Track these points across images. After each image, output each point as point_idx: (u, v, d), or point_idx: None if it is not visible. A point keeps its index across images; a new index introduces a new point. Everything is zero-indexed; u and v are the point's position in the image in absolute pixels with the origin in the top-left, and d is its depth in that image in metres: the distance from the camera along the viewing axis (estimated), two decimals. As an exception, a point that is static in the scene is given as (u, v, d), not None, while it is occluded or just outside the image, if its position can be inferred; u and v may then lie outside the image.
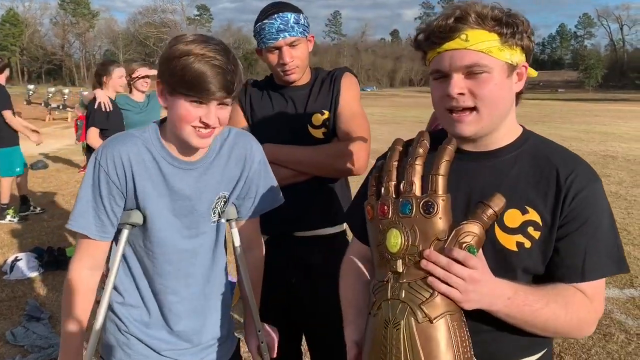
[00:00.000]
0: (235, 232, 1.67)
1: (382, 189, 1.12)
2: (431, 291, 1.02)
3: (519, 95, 1.24)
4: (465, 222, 1.04)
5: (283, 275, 2.03)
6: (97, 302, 1.52)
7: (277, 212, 1.70)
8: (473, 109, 1.14)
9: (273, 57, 1.96)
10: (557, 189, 1.15)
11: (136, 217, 1.47)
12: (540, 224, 1.15)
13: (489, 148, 1.22)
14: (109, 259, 1.56)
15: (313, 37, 2.06)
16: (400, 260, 1.04)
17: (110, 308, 1.57)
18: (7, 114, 6.24)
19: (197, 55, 1.31)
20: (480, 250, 1.07)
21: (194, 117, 1.36)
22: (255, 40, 2.00)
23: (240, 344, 1.82)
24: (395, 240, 1.05)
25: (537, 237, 1.15)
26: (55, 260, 4.89)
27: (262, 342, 1.73)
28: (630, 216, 6.73)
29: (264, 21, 1.92)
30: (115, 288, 1.56)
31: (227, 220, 1.63)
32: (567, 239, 1.14)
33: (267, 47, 1.94)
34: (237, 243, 1.67)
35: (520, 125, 1.27)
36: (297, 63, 1.95)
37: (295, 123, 2.01)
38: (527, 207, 1.15)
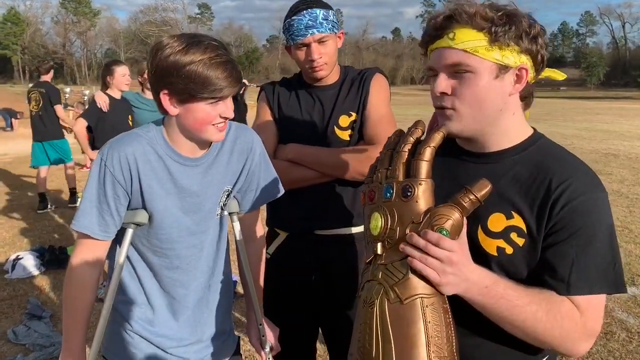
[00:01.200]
0: (237, 225, 1.67)
1: (373, 176, 1.14)
2: (404, 272, 1.03)
3: (525, 98, 1.18)
4: (442, 205, 1.03)
5: (302, 272, 2.02)
6: (101, 300, 1.53)
7: (299, 210, 1.70)
8: (453, 108, 1.13)
9: (301, 54, 1.94)
10: (546, 196, 1.09)
11: (141, 217, 1.47)
12: (525, 231, 1.11)
13: (487, 150, 1.19)
14: (110, 255, 1.57)
15: (343, 33, 2.04)
16: (380, 243, 1.06)
17: (113, 307, 1.57)
18: (58, 108, 7.06)
19: (204, 59, 1.33)
20: (464, 236, 1.06)
21: (214, 116, 1.40)
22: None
23: (241, 342, 1.83)
24: (376, 223, 1.07)
25: (520, 245, 1.11)
26: (56, 259, 4.89)
27: (262, 336, 1.74)
28: (632, 214, 6.71)
29: (293, 17, 1.91)
30: (119, 288, 1.56)
31: (229, 214, 1.64)
32: (556, 247, 1.08)
33: (296, 44, 1.93)
34: (239, 237, 1.68)
35: (533, 128, 1.22)
36: (325, 60, 1.93)
37: (322, 124, 1.99)
38: (513, 212, 1.12)
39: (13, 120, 19.08)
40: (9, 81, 66.30)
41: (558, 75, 1.33)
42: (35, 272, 4.72)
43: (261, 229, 1.82)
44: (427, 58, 1.20)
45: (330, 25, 1.91)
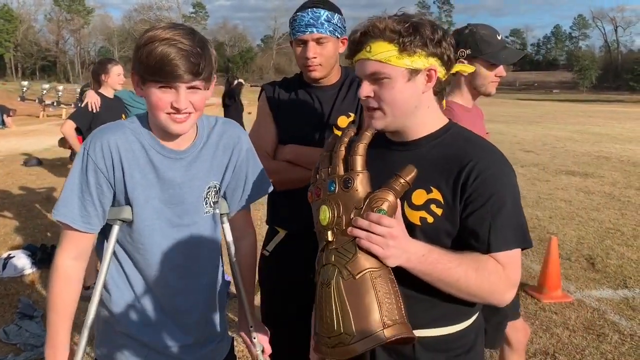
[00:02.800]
0: (227, 227, 1.66)
1: (317, 175, 1.30)
2: (354, 252, 1.18)
3: (438, 92, 1.39)
4: (378, 190, 1.20)
5: (301, 269, 2.02)
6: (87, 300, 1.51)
7: (298, 209, 1.71)
8: (378, 108, 1.33)
9: (299, 50, 1.96)
10: (459, 172, 1.28)
11: (127, 213, 1.46)
12: (442, 202, 1.29)
13: (409, 138, 1.39)
14: (99, 253, 1.55)
15: (346, 39, 2.02)
16: (330, 231, 1.22)
17: (105, 309, 1.56)
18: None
19: (162, 40, 1.31)
20: (400, 215, 1.23)
21: (165, 103, 1.36)
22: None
23: (235, 343, 1.82)
24: (324, 214, 1.23)
25: (439, 214, 1.29)
26: (48, 257, 4.85)
27: (254, 338, 1.73)
28: (624, 217, 6.75)
29: (297, 13, 1.93)
30: (108, 288, 1.54)
31: (220, 215, 1.63)
32: (474, 215, 1.27)
33: (295, 39, 1.95)
34: (229, 238, 1.67)
35: (448, 118, 1.43)
36: (320, 60, 1.94)
37: (321, 124, 2.00)
38: (432, 187, 1.30)
39: (6, 117, 18.97)
40: (1, 78, 65.85)
41: (467, 68, 1.55)
42: (27, 271, 4.68)
43: (253, 230, 1.80)
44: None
45: (331, 28, 1.91)
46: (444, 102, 1.44)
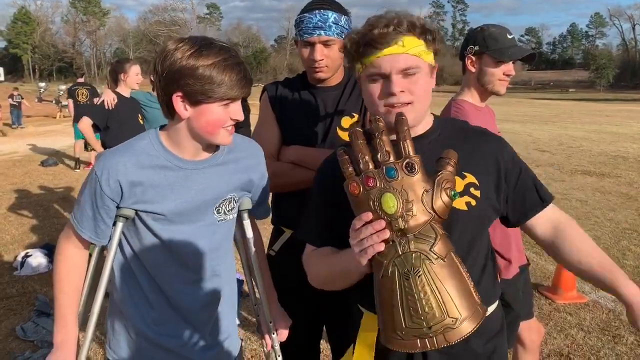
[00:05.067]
0: (247, 223, 1.69)
1: (361, 165, 1.22)
2: (436, 233, 1.16)
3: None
4: (440, 173, 1.20)
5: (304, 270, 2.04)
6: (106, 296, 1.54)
7: (303, 209, 1.72)
8: (409, 103, 1.34)
9: (305, 52, 1.95)
10: (485, 152, 1.41)
11: (127, 211, 1.50)
12: (478, 184, 1.38)
13: (416, 134, 1.41)
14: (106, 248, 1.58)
15: None
16: (400, 219, 1.17)
17: (115, 305, 1.58)
18: (96, 100, 8.64)
19: (217, 61, 1.37)
20: None
21: (226, 118, 1.43)
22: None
23: (247, 342, 1.83)
24: (391, 202, 1.18)
25: (479, 195, 1.37)
26: (65, 256, 4.91)
27: (273, 334, 1.75)
28: (641, 217, 6.66)
29: (305, 14, 1.92)
30: (117, 286, 1.58)
31: (240, 211, 1.66)
32: (518, 185, 1.44)
33: (302, 41, 1.94)
34: (250, 234, 1.70)
35: (451, 111, 1.57)
36: (326, 63, 1.93)
37: (324, 125, 2.00)
38: (464, 173, 1.37)
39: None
40: (19, 80, 66.73)
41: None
42: (44, 269, 4.75)
43: (259, 231, 1.83)
44: (361, 65, 1.38)
45: (339, 30, 1.91)
46: None
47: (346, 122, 1.98)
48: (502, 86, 2.24)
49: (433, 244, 1.16)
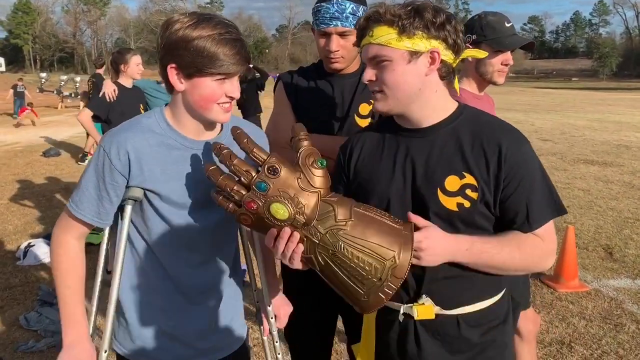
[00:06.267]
0: None
1: (235, 197, 1.24)
2: (331, 207, 1.21)
3: (445, 77, 1.38)
4: (299, 153, 1.23)
5: None
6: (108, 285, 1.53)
7: None
8: (380, 91, 1.37)
9: (321, 41, 1.94)
10: (491, 154, 1.33)
11: (137, 191, 1.47)
12: (477, 186, 1.33)
13: (422, 125, 1.41)
14: (113, 234, 1.57)
15: None
16: (297, 215, 1.21)
17: (122, 296, 1.56)
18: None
19: (213, 34, 1.34)
20: (432, 225, 1.29)
21: (220, 94, 1.40)
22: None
23: (250, 331, 1.83)
24: (281, 210, 1.21)
25: (475, 198, 1.33)
26: (67, 246, 4.93)
27: (272, 318, 1.75)
28: (643, 206, 6.65)
29: (322, 3, 1.90)
30: (125, 275, 1.54)
31: None
32: (512, 197, 1.33)
33: (318, 30, 1.93)
34: None
35: (457, 101, 1.45)
36: (342, 53, 1.92)
37: (342, 112, 1.98)
38: (463, 172, 1.34)
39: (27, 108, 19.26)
40: (20, 70, 66.61)
41: (478, 53, 1.55)
42: (47, 259, 4.75)
43: None
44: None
45: (355, 21, 1.89)
46: (456, 86, 1.46)
47: (364, 108, 1.97)
48: (500, 76, 2.22)
49: (335, 214, 1.21)
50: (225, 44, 1.35)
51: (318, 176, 1.22)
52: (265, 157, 1.22)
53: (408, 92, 1.36)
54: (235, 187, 1.24)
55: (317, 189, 1.22)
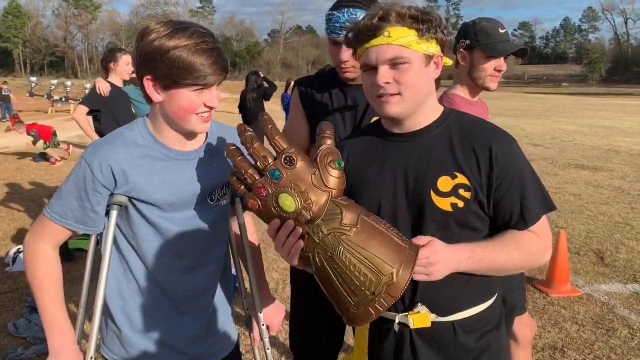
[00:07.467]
0: (239, 207, 1.67)
1: (248, 180, 1.24)
2: (339, 210, 1.19)
3: (437, 81, 1.43)
4: (319, 150, 1.22)
5: None
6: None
7: None
8: (397, 94, 1.34)
9: (333, 50, 1.92)
10: (482, 154, 1.34)
11: (121, 198, 1.45)
12: (470, 185, 1.34)
13: (412, 129, 1.42)
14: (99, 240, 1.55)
15: None
16: (304, 211, 1.20)
17: (110, 302, 1.54)
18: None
19: (189, 44, 1.31)
20: (436, 240, 1.27)
21: (199, 104, 1.38)
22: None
23: (242, 337, 1.82)
24: (288, 201, 1.20)
25: (468, 197, 1.34)
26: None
27: (262, 325, 1.73)
28: (633, 211, 6.70)
29: (333, 12, 1.87)
30: (112, 280, 1.52)
31: (232, 196, 1.62)
32: (504, 197, 1.35)
33: (330, 39, 1.91)
34: (242, 220, 1.68)
35: (442, 105, 1.48)
36: (353, 63, 1.89)
37: (354, 123, 1.97)
38: (455, 172, 1.35)
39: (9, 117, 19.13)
40: (10, 74, 66.19)
41: (446, 61, 1.53)
42: (36, 265, 4.71)
43: (249, 214, 1.79)
44: (357, 56, 1.40)
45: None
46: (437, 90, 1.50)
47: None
48: (493, 82, 2.22)
49: (341, 218, 1.19)
50: (202, 54, 1.32)
51: (333, 176, 1.22)
52: (286, 147, 1.22)
53: (421, 95, 1.37)
54: (250, 171, 1.24)
55: (330, 189, 1.21)
